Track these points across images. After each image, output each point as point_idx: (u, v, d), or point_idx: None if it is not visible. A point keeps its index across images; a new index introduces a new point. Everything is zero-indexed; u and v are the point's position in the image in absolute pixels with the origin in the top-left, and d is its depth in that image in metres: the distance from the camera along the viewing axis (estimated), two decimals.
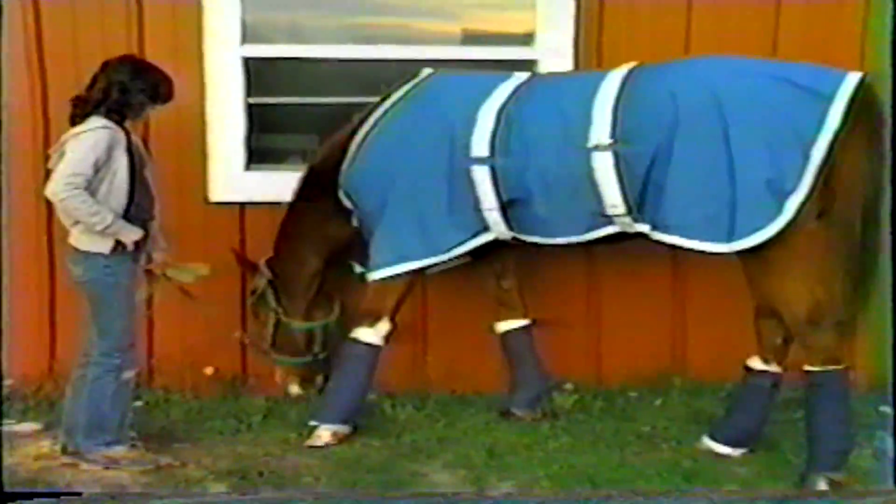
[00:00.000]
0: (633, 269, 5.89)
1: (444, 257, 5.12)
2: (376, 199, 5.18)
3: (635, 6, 5.94)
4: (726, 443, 5.09)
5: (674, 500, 4.50)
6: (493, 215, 4.98)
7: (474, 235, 5.07)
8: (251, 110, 5.89)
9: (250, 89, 5.86)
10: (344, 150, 5.29)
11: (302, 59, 5.97)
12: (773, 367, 4.99)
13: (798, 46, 5.78)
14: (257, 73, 5.88)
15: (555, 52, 5.89)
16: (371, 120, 5.25)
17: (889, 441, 5.12)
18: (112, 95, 4.68)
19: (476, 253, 5.22)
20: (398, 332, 5.32)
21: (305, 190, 5.47)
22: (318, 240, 5.55)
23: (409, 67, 5.62)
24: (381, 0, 6.08)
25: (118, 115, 4.71)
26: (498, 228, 5.03)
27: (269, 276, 5.60)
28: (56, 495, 4.48)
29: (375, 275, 5.20)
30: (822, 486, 4.55)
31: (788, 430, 5.26)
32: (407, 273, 5.15)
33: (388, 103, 5.27)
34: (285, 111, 6.11)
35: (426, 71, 5.39)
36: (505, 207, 4.94)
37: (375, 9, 6.07)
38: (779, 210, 4.41)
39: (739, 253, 4.55)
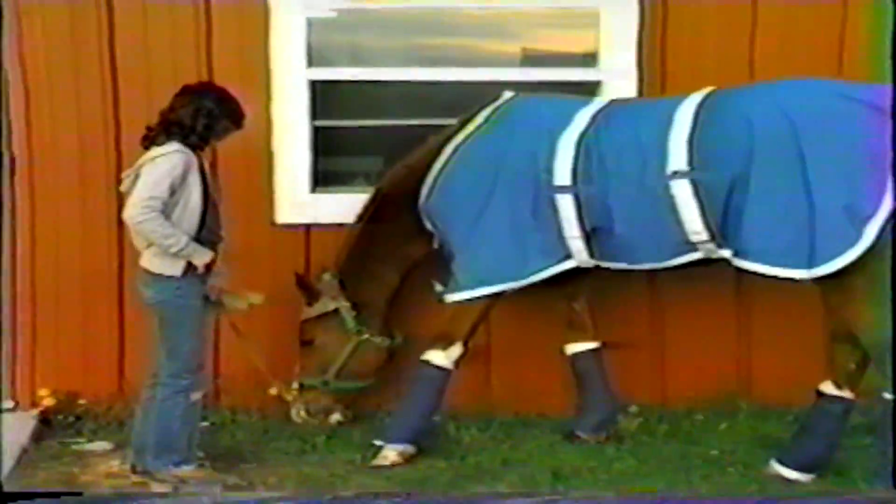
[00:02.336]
0: (697, 290, 5.79)
1: (525, 282, 5.12)
2: (459, 224, 5.20)
3: (699, 26, 5.91)
4: (796, 468, 5.01)
5: None
6: (576, 243, 4.97)
7: (556, 262, 5.05)
8: (317, 133, 5.92)
9: (316, 112, 5.91)
10: (422, 172, 5.30)
11: (367, 81, 6.00)
12: (846, 393, 4.91)
13: (865, 66, 5.68)
14: (323, 96, 5.92)
15: (619, 73, 5.86)
16: (452, 144, 5.26)
17: None
18: (200, 121, 4.76)
19: (553, 277, 5.18)
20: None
21: (378, 211, 5.46)
22: (399, 259, 5.56)
23: (473, 89, 5.65)
24: (445, 21, 6.09)
25: (202, 140, 4.81)
26: (581, 256, 5.01)
27: (343, 297, 5.55)
28: (56, 495, 4.55)
29: (454, 297, 5.21)
30: None
31: (858, 455, 5.17)
32: (485, 297, 5.16)
33: (469, 128, 5.27)
34: (350, 133, 6.14)
35: (507, 94, 5.39)
36: (588, 236, 4.93)
37: (439, 30, 6.10)
38: (858, 236, 4.36)
39: (818, 278, 4.49)
